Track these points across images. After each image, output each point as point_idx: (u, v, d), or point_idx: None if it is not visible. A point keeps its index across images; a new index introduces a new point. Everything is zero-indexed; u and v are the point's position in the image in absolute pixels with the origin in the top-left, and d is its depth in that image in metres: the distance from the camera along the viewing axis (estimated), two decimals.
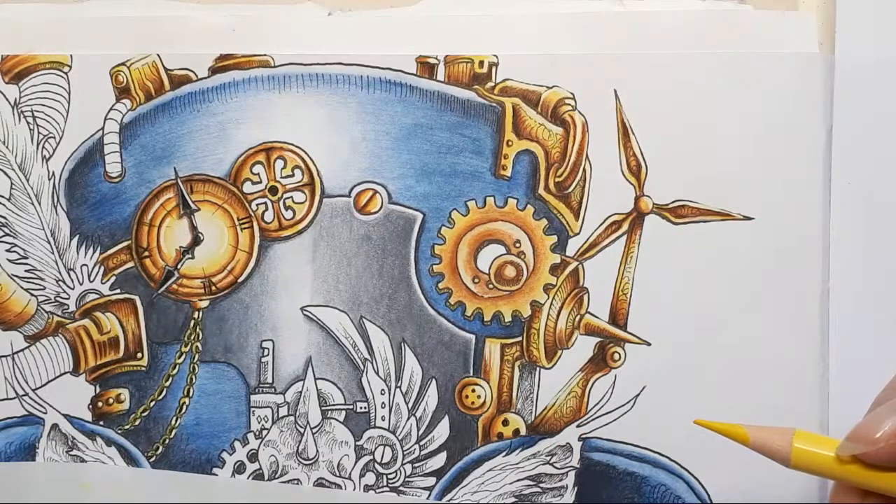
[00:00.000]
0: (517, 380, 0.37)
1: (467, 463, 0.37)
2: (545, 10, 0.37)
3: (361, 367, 0.38)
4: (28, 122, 0.40)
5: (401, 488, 0.38)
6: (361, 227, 0.38)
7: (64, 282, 0.40)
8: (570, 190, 0.37)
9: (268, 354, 0.38)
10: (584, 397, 0.37)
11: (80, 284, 0.40)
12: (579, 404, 0.37)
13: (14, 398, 0.40)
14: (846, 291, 0.34)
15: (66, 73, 0.40)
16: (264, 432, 0.38)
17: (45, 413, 0.40)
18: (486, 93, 0.37)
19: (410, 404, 0.38)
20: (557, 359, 0.37)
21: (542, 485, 0.37)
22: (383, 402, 0.38)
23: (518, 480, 0.37)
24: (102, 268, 0.40)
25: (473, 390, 0.37)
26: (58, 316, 0.40)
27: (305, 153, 0.38)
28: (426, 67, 0.37)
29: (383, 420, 0.38)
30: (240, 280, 0.39)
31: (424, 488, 0.38)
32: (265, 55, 0.38)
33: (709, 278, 0.35)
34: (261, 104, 0.38)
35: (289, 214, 0.38)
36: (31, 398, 0.40)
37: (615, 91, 0.36)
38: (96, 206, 0.40)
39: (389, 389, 0.38)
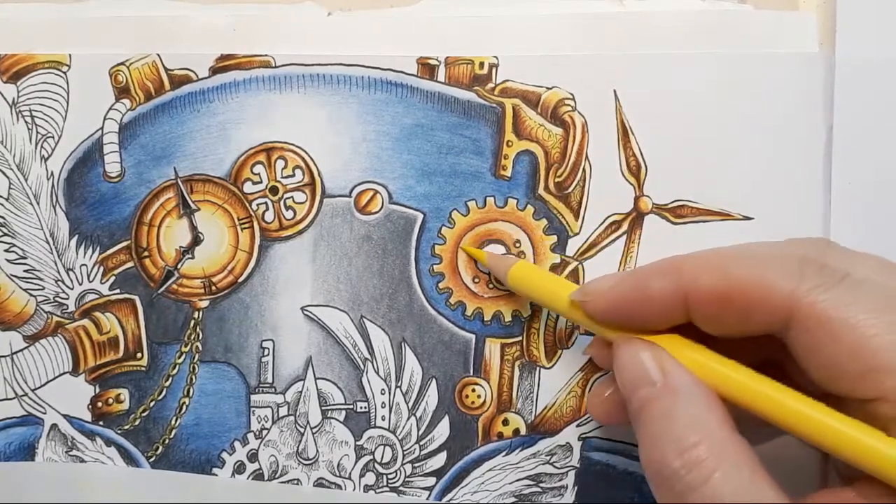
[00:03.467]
0: (517, 379, 0.37)
1: (467, 463, 0.37)
2: (545, 10, 0.37)
3: (361, 366, 0.38)
4: (26, 122, 0.40)
5: (401, 488, 0.38)
6: (362, 227, 0.38)
7: (63, 282, 0.40)
8: (569, 190, 0.37)
9: (268, 354, 0.38)
10: (584, 397, 0.37)
11: (80, 284, 0.40)
12: (579, 404, 0.37)
13: (13, 398, 0.40)
14: None
15: (64, 73, 0.40)
16: (264, 432, 0.38)
17: (45, 413, 0.40)
18: (487, 94, 0.37)
19: (410, 404, 0.38)
20: (557, 358, 0.37)
21: (542, 484, 0.37)
22: (383, 402, 0.38)
23: (518, 480, 0.37)
24: (102, 268, 0.40)
25: (473, 390, 0.37)
26: (57, 316, 0.40)
27: (306, 153, 0.38)
28: (427, 68, 0.37)
29: (383, 420, 0.38)
30: (240, 280, 0.39)
31: (424, 488, 0.38)
32: (266, 55, 0.38)
33: None
34: (261, 104, 0.38)
35: (289, 214, 0.38)
36: (30, 398, 0.40)
37: (615, 91, 0.36)
38: (95, 206, 0.40)
39: (389, 389, 0.38)
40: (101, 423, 0.40)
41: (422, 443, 0.38)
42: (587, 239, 0.37)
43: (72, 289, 0.40)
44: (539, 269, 0.36)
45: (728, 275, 0.28)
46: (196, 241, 0.39)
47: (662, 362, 0.29)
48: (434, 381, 0.37)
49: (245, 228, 0.39)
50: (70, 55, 0.40)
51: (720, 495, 0.25)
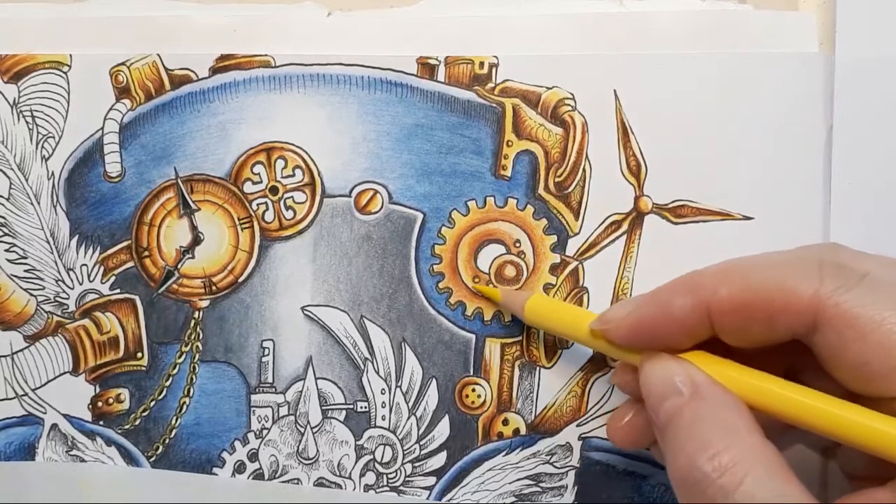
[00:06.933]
0: (517, 379, 0.37)
1: (467, 462, 0.37)
2: (545, 10, 0.37)
3: (362, 366, 0.38)
4: (27, 122, 0.40)
5: (401, 488, 0.38)
6: (362, 227, 0.38)
7: (63, 282, 0.40)
8: (569, 190, 0.37)
9: (268, 354, 0.38)
10: (584, 397, 0.37)
11: (80, 284, 0.40)
12: (579, 404, 0.37)
13: (14, 398, 0.40)
14: None
15: (65, 73, 0.40)
16: (264, 432, 0.38)
17: (45, 413, 0.40)
18: (487, 93, 0.37)
19: (411, 404, 0.38)
20: (557, 358, 0.37)
21: (542, 484, 0.37)
22: (383, 402, 0.38)
23: (518, 480, 0.37)
24: (102, 268, 0.40)
25: (473, 390, 0.37)
26: (57, 316, 0.40)
27: (306, 153, 0.38)
28: (427, 68, 0.37)
29: (383, 420, 0.38)
30: (240, 280, 0.39)
31: (424, 488, 0.38)
32: (266, 55, 0.38)
33: None
34: (261, 104, 0.38)
35: (289, 214, 0.38)
36: (30, 398, 0.40)
37: (615, 91, 0.36)
38: (96, 206, 0.40)
39: (390, 389, 0.38)
40: (101, 422, 0.40)
41: (422, 442, 0.38)
42: (587, 239, 0.37)
43: (72, 289, 0.40)
44: (555, 301, 0.36)
45: (749, 283, 0.28)
46: (196, 240, 0.39)
47: (690, 374, 0.29)
48: (434, 380, 0.37)
49: (245, 228, 0.39)
50: (70, 55, 0.40)
51: (753, 499, 0.25)
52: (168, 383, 0.39)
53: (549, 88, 0.37)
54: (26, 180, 0.40)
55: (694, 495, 0.26)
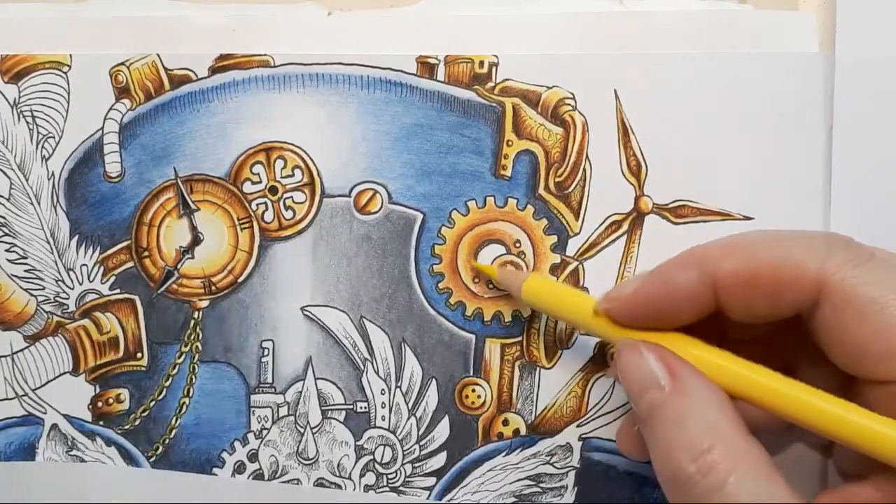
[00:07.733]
0: (517, 380, 0.37)
1: (467, 463, 0.37)
2: (545, 10, 0.37)
3: (361, 367, 0.38)
4: (27, 122, 0.40)
5: (401, 488, 0.38)
6: (361, 227, 0.38)
7: (63, 282, 0.40)
8: (570, 190, 0.37)
9: (268, 354, 0.38)
10: (584, 397, 0.37)
11: (80, 284, 0.40)
12: (579, 404, 0.37)
13: (14, 398, 0.40)
14: None
15: (65, 73, 0.40)
16: (264, 432, 0.38)
17: (45, 413, 0.40)
18: (487, 93, 0.37)
19: (410, 404, 0.38)
20: (557, 359, 0.37)
21: (542, 485, 0.37)
22: (383, 402, 0.38)
23: (518, 480, 0.37)
24: (102, 268, 0.40)
25: (473, 390, 0.37)
26: (57, 316, 0.40)
27: (305, 153, 0.38)
28: (426, 67, 0.37)
29: (383, 420, 0.38)
30: (240, 280, 0.39)
31: (424, 488, 0.38)
32: (265, 55, 0.38)
33: None
34: (261, 104, 0.38)
35: (289, 214, 0.38)
36: (30, 398, 0.40)
37: (615, 91, 0.36)
38: (96, 206, 0.40)
39: (389, 389, 0.38)
40: (101, 422, 0.40)
41: (422, 443, 0.38)
42: (587, 239, 0.37)
43: (72, 289, 0.40)
44: (553, 282, 0.36)
45: (756, 256, 0.28)
46: (196, 241, 0.39)
47: (669, 363, 0.28)
48: (434, 381, 0.37)
49: (245, 228, 0.39)
50: (70, 55, 0.40)
51: (737, 499, 0.25)
52: (168, 383, 0.39)
53: (549, 88, 0.37)
54: (26, 180, 0.40)
55: (680, 495, 0.26)
